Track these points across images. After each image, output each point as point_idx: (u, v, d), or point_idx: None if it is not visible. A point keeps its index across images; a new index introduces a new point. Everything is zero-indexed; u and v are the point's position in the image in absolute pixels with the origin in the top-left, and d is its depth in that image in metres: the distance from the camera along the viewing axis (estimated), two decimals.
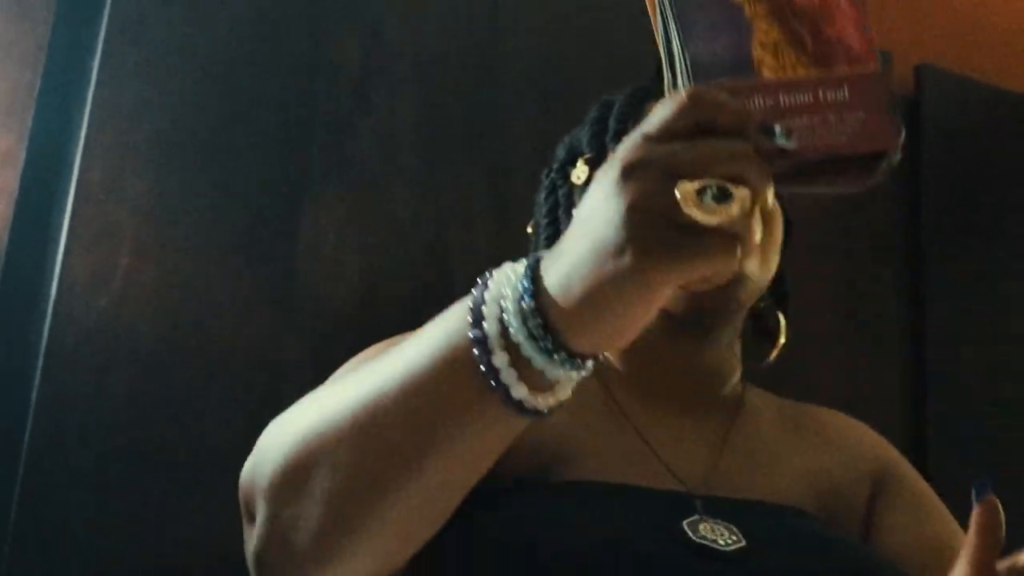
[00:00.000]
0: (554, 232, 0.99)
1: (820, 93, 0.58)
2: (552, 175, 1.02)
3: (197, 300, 1.28)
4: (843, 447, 0.98)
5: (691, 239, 0.54)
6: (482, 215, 1.42)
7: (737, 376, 0.99)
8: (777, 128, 0.57)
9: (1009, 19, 1.95)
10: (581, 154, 0.98)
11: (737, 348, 0.99)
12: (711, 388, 0.96)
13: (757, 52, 0.59)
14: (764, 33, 0.60)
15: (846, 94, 0.58)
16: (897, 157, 0.59)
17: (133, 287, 1.25)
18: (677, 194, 0.53)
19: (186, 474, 1.22)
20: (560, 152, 1.03)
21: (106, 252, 1.25)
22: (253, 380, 1.27)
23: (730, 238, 0.54)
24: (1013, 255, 1.78)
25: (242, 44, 1.38)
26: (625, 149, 0.56)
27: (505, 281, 0.60)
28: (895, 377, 1.66)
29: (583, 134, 1.00)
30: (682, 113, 0.56)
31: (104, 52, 1.30)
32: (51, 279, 1.22)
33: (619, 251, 0.54)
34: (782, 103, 0.58)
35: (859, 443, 0.99)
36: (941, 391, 1.66)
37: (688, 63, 0.59)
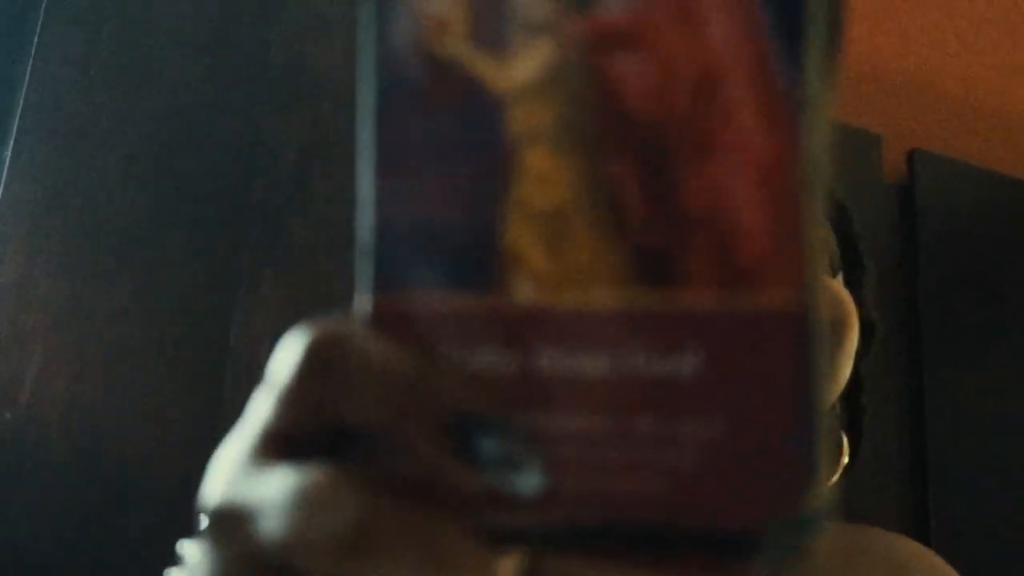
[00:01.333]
0: None
1: (643, 362, 0.26)
2: None
3: (114, 412, 1.20)
4: None
5: None
6: None
7: None
8: (510, 448, 0.26)
9: (1001, 102, 1.95)
10: None
11: None
12: None
13: (513, 226, 0.27)
14: (539, 185, 0.27)
15: (697, 374, 0.25)
16: (791, 543, 0.25)
17: (43, 399, 1.18)
18: None
19: None
20: None
21: (14, 360, 1.18)
22: (175, 500, 1.20)
23: None
24: (1010, 338, 1.79)
25: (171, 123, 1.30)
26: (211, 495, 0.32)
27: None
28: (894, 460, 1.65)
29: None
30: (288, 399, 0.29)
31: (17, 129, 1.23)
32: None
33: None
34: (543, 373, 0.26)
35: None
36: (939, 480, 1.66)
37: (360, 244, 0.28)
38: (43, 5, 1.26)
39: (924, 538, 1.60)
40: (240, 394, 1.25)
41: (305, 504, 0.27)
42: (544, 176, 0.27)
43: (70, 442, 1.17)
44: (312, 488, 0.27)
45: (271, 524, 0.28)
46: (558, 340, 0.26)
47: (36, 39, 1.25)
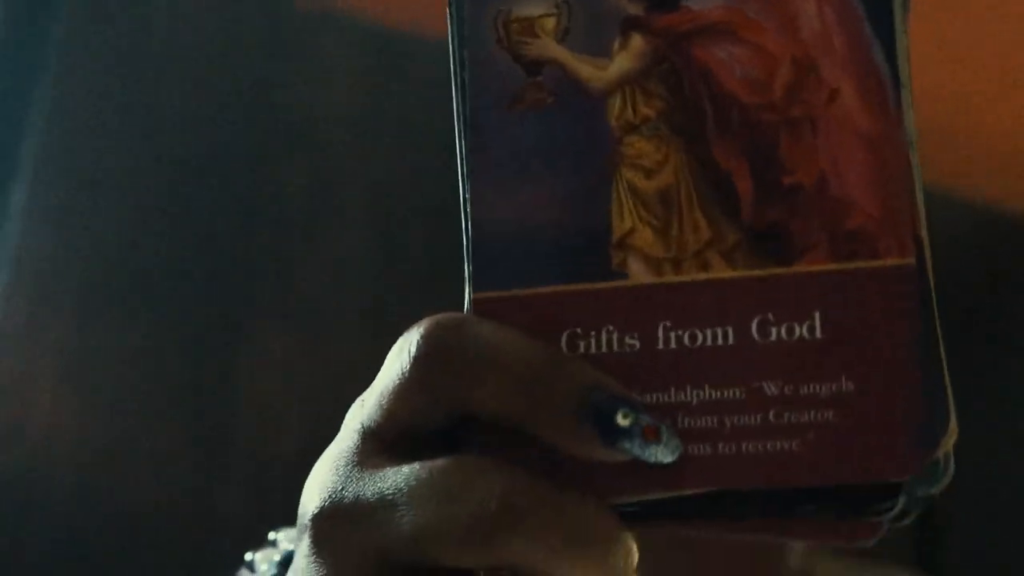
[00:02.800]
0: None
1: (766, 331, 0.27)
2: None
3: (122, 455, 1.19)
4: None
5: None
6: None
7: None
8: (648, 420, 0.26)
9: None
10: None
11: None
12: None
13: (626, 217, 0.28)
14: (646, 173, 0.28)
15: (821, 338, 0.26)
16: (925, 492, 0.26)
17: (52, 441, 1.17)
18: None
19: None
20: None
21: (23, 402, 1.18)
22: (182, 541, 1.18)
23: None
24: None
25: (180, 169, 1.30)
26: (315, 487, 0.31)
27: None
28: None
29: None
30: (409, 389, 0.29)
31: (29, 182, 1.23)
32: None
33: None
34: (668, 357, 0.27)
35: None
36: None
37: (469, 235, 0.29)
38: (56, 53, 1.26)
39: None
40: (246, 437, 1.24)
41: (439, 493, 0.27)
42: (649, 162, 0.28)
43: (78, 484, 1.17)
44: (444, 477, 0.27)
45: (399, 518, 0.27)
46: (680, 316, 0.27)
47: (50, 88, 1.26)
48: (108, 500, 1.18)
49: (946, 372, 0.26)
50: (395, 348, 0.29)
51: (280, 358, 1.29)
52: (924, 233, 0.26)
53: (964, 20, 1.58)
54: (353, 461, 0.29)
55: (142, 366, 1.22)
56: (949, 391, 0.25)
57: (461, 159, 0.30)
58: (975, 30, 1.68)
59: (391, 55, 1.40)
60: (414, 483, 0.27)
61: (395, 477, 0.28)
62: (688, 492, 0.26)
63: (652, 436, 0.26)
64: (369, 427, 0.29)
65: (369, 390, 0.30)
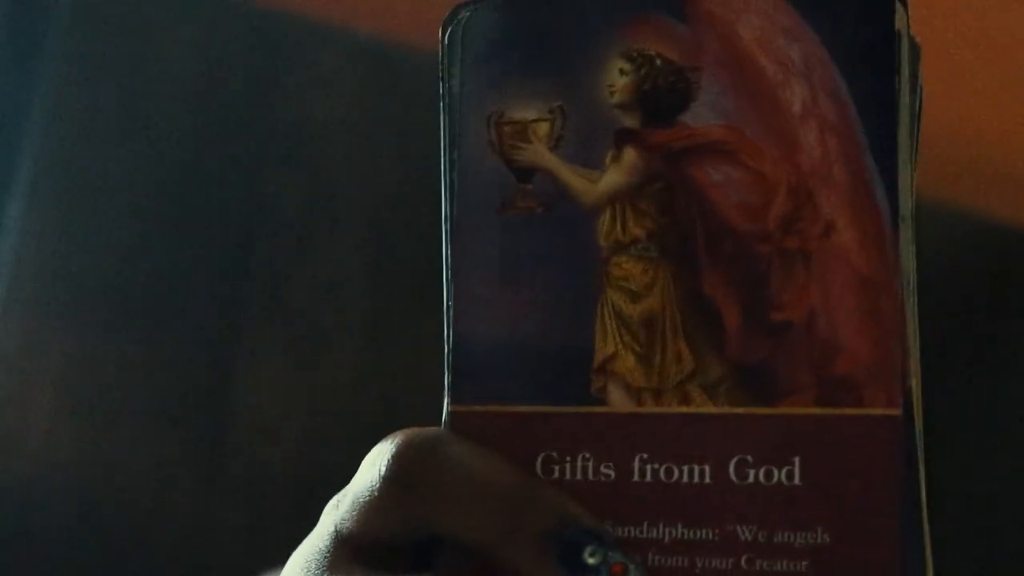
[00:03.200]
0: None
1: (744, 472, 0.26)
2: None
3: (118, 470, 1.19)
4: None
5: None
6: (440, 378, 1.30)
7: None
8: (617, 558, 0.25)
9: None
10: None
11: None
12: None
13: (609, 341, 0.27)
14: (632, 296, 0.27)
15: (800, 484, 0.25)
16: None
17: (48, 457, 1.18)
18: None
19: None
20: None
21: (21, 418, 1.17)
22: (179, 555, 1.17)
23: None
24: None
25: (175, 183, 1.29)
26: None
27: None
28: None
29: None
30: (379, 506, 0.28)
31: (25, 195, 1.23)
32: None
33: None
34: (642, 490, 0.26)
35: None
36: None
37: (450, 344, 0.29)
38: (51, 67, 1.26)
39: None
40: (243, 450, 1.24)
41: None
42: (636, 285, 0.27)
43: (75, 499, 1.17)
44: None
45: None
46: (658, 450, 0.26)
47: (42, 102, 1.25)
48: (105, 514, 1.18)
49: (926, 526, 0.25)
50: (369, 458, 0.29)
51: (275, 372, 1.28)
52: (914, 383, 0.25)
53: (963, 22, 1.58)
54: (324, 566, 0.29)
55: (139, 380, 1.22)
56: (928, 547, 0.25)
57: (446, 261, 0.29)
58: (972, 38, 1.68)
59: (386, 69, 1.40)
60: None
61: None
62: None
63: (620, 575, 0.25)
64: (342, 532, 0.29)
65: (343, 493, 0.29)
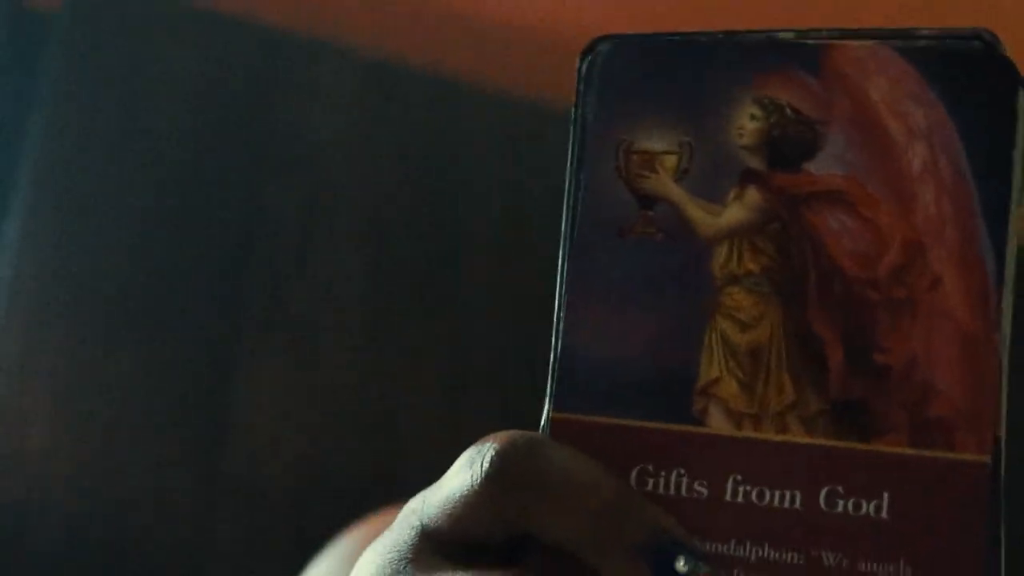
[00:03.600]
0: None
1: (834, 502, 0.27)
2: None
3: (116, 483, 1.19)
4: None
5: None
6: (437, 389, 1.31)
7: None
8: (707, 570, 0.27)
9: None
10: None
11: None
12: None
13: (714, 365, 0.29)
14: (741, 326, 0.29)
15: (887, 518, 0.27)
16: None
17: (46, 468, 1.18)
18: None
19: None
20: None
21: (18, 430, 1.18)
22: (178, 564, 1.18)
23: None
24: None
25: (173, 194, 1.30)
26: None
27: None
28: None
29: None
30: (476, 503, 0.29)
31: (26, 200, 1.23)
32: None
33: None
34: (733, 509, 0.28)
35: None
36: None
37: (557, 354, 0.30)
38: (50, 83, 1.26)
39: None
40: (241, 459, 1.24)
41: None
42: (746, 316, 0.29)
43: (73, 511, 1.17)
44: None
45: None
46: (751, 472, 0.28)
47: (44, 117, 1.26)
48: (106, 514, 1.18)
49: (1003, 572, 0.26)
50: (466, 456, 0.29)
51: (273, 380, 1.28)
52: (1003, 433, 0.27)
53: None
54: (407, 557, 0.29)
55: (139, 381, 1.22)
56: None
57: (561, 276, 0.30)
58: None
59: (383, 83, 1.41)
60: None
61: None
62: None
63: None
64: (428, 527, 0.29)
65: (433, 489, 0.30)
